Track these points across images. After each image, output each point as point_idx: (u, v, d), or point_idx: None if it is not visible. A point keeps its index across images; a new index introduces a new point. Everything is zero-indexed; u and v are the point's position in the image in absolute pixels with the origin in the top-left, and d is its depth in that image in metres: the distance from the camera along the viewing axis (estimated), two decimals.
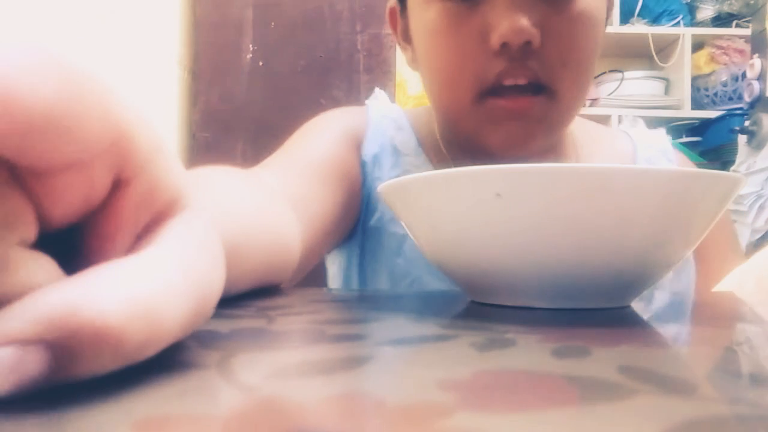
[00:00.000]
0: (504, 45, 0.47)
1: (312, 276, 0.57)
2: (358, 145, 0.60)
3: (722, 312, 0.32)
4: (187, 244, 0.16)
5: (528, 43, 0.47)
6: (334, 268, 0.65)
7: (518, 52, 0.47)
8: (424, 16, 0.51)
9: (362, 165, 0.59)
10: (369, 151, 0.60)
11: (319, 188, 0.51)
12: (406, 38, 0.58)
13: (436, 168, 0.59)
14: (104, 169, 0.14)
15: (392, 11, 0.60)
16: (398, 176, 0.59)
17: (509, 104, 0.49)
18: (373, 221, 0.59)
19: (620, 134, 0.67)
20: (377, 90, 0.69)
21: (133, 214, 0.15)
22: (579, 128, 0.62)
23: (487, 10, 0.48)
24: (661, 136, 0.68)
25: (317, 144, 0.56)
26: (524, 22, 0.46)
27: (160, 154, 0.16)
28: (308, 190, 0.49)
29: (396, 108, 0.65)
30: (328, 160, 0.55)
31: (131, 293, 0.13)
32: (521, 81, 0.48)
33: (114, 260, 0.14)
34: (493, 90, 0.49)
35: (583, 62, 0.50)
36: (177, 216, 0.16)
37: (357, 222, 0.60)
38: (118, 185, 0.15)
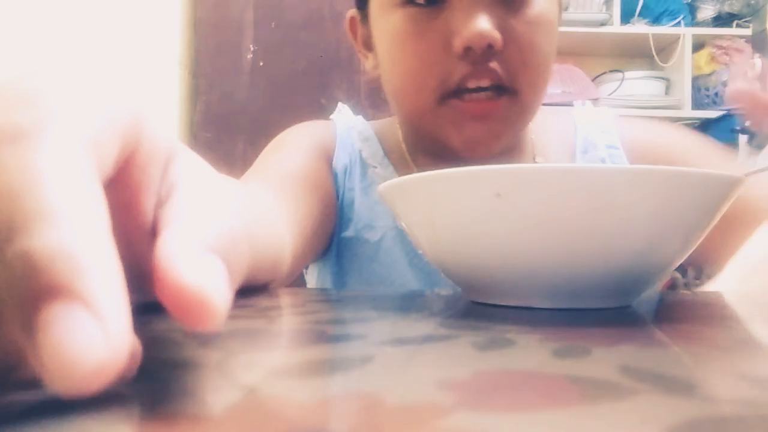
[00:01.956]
0: (467, 49, 0.48)
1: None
2: (328, 158, 0.61)
3: (721, 312, 0.32)
4: (217, 186, 0.18)
5: (490, 46, 0.48)
6: (312, 280, 0.66)
7: (481, 56, 0.48)
8: (387, 22, 0.52)
9: (334, 177, 0.60)
10: (339, 162, 0.61)
11: (296, 200, 0.52)
12: (367, 46, 0.59)
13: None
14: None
15: (352, 20, 0.61)
16: (368, 187, 0.60)
17: (471, 107, 0.50)
18: (347, 231, 0.60)
19: (564, 117, 0.68)
20: (340, 104, 0.70)
21: (149, 173, 0.16)
22: (533, 122, 0.64)
23: (449, 16, 0.49)
24: (603, 112, 0.68)
25: (290, 157, 0.57)
26: (487, 26, 0.47)
27: (144, 111, 0.16)
28: (287, 201, 0.50)
29: (360, 120, 0.66)
30: (301, 173, 0.56)
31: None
32: (484, 83, 0.50)
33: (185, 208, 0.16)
34: (456, 91, 0.50)
35: (542, 63, 0.52)
36: (181, 158, 0.18)
37: (333, 233, 0.60)
38: (127, 157, 0.16)
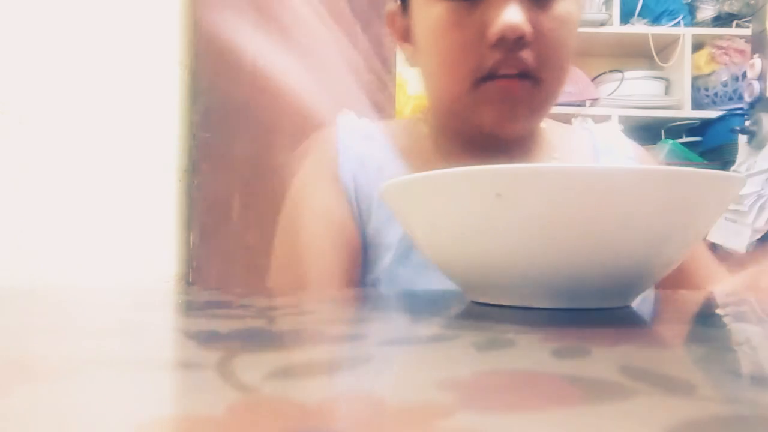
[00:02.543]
0: (500, 39, 0.53)
1: None
2: (336, 177, 0.63)
3: (721, 312, 0.32)
4: None
5: (521, 38, 0.53)
6: None
7: (512, 46, 0.54)
8: (428, 14, 0.58)
9: (346, 186, 0.63)
10: (346, 171, 0.64)
11: (332, 254, 0.60)
12: (406, 37, 0.64)
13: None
14: None
15: (392, 13, 0.66)
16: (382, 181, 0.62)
17: (502, 84, 0.56)
18: (368, 230, 0.63)
19: (580, 129, 0.76)
20: (345, 109, 0.73)
21: None
22: (549, 127, 0.71)
23: (485, 9, 0.55)
24: (613, 126, 0.76)
25: (313, 216, 0.63)
26: (519, 19, 0.53)
27: None
28: (324, 263, 0.58)
29: (365, 121, 0.70)
30: (328, 225, 0.61)
31: None
32: (513, 71, 0.55)
33: None
34: (488, 77, 0.56)
35: (565, 56, 0.58)
36: None
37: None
38: None
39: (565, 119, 0.73)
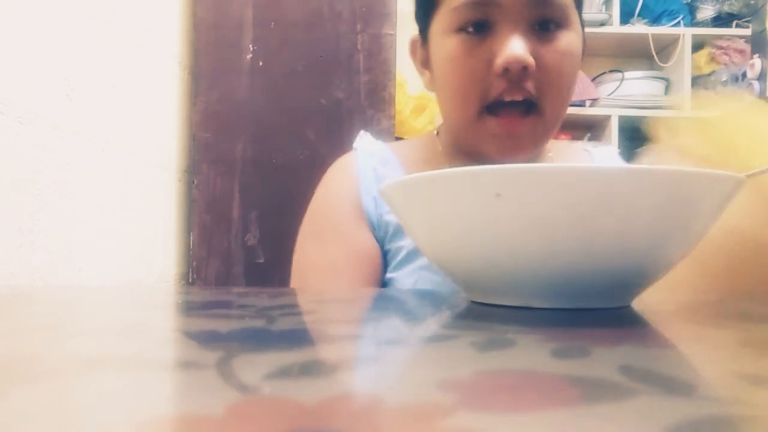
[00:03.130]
0: (505, 69, 0.58)
1: None
2: (357, 204, 0.68)
3: (722, 312, 0.32)
4: None
5: (524, 68, 0.58)
6: None
7: (516, 75, 0.59)
8: (443, 46, 0.63)
9: (367, 212, 0.67)
10: (367, 196, 0.68)
11: (355, 282, 0.64)
12: (425, 65, 0.70)
13: None
14: None
15: (413, 43, 0.73)
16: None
17: (504, 124, 0.61)
18: (388, 246, 0.67)
19: (581, 150, 0.82)
20: (362, 132, 0.77)
21: None
22: (554, 146, 0.76)
23: (493, 42, 0.60)
24: (612, 149, 0.83)
25: (338, 246, 0.67)
26: (522, 52, 0.57)
27: None
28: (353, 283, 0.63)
29: (380, 144, 0.75)
30: (353, 255, 0.66)
31: None
32: (517, 98, 0.60)
33: None
34: (495, 104, 0.60)
35: (565, 87, 0.63)
36: None
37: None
38: None
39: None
